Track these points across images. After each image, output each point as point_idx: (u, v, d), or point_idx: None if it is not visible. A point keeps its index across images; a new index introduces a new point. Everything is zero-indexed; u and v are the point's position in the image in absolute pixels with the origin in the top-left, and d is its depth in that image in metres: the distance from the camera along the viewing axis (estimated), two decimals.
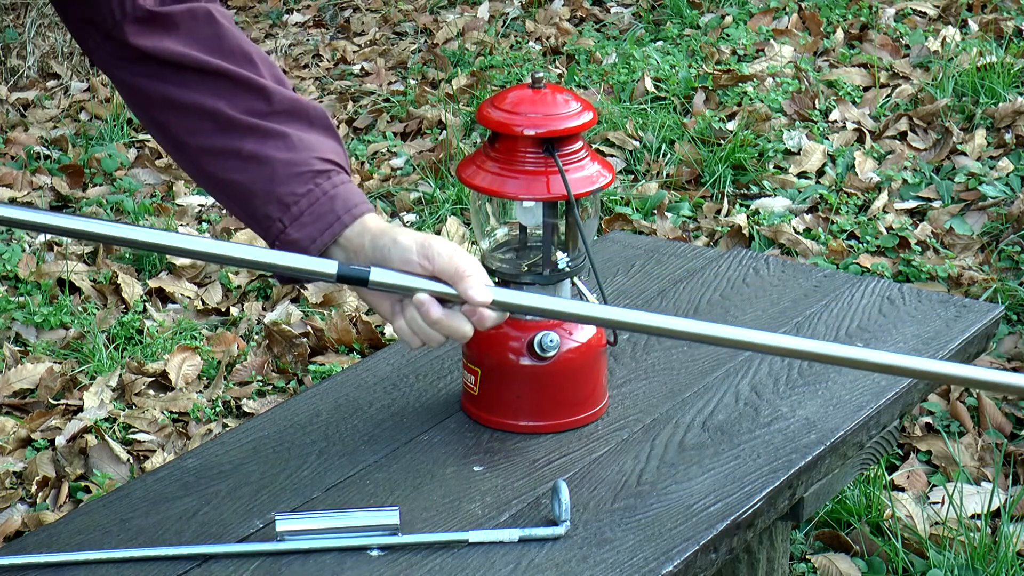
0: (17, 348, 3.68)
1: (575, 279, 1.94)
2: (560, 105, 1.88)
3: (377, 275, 1.69)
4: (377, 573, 1.66)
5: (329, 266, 1.68)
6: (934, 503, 2.92)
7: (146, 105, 1.77)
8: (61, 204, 4.64)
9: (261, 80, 1.76)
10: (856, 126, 4.62)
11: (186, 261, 4.11)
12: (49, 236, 4.29)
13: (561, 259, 1.92)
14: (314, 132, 1.77)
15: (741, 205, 4.24)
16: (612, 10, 6.01)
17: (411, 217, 4.36)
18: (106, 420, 3.35)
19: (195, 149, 1.76)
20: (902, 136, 4.55)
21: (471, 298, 1.67)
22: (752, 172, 4.36)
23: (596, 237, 2.16)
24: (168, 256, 4.12)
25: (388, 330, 3.62)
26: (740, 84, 4.94)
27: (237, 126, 1.73)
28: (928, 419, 3.17)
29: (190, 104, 1.74)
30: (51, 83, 5.77)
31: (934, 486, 2.99)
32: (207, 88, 1.74)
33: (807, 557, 2.80)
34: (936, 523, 2.84)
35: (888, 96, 4.82)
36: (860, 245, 3.95)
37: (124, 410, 3.40)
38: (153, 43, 1.73)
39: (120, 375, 3.52)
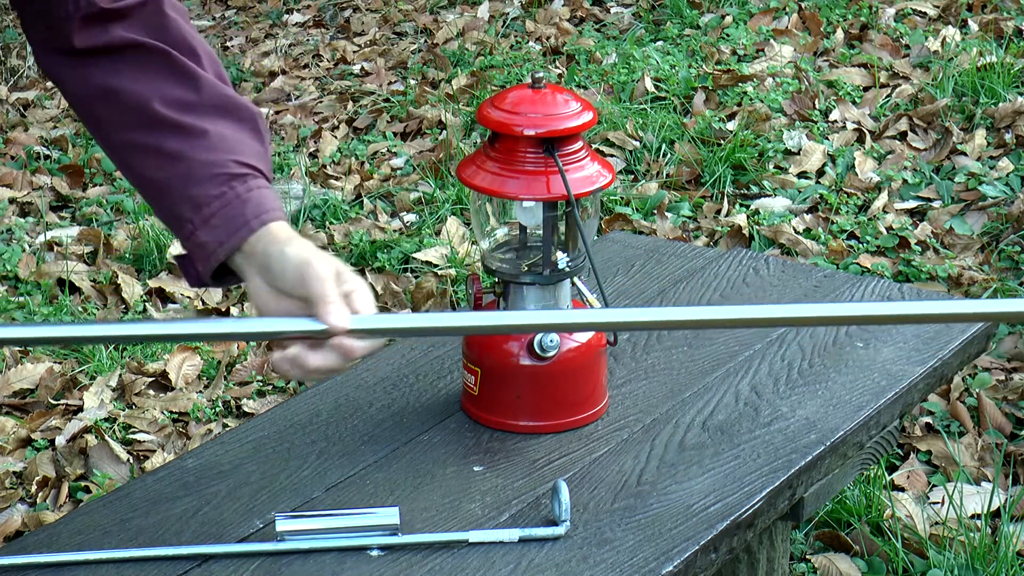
0: (17, 348, 3.68)
1: (575, 279, 1.94)
2: (560, 105, 1.88)
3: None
4: (377, 573, 1.66)
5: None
6: (934, 503, 2.92)
7: (82, 97, 1.75)
8: (61, 204, 4.64)
9: (195, 68, 1.73)
10: (856, 126, 4.62)
11: None
12: (50, 236, 4.29)
13: (561, 259, 1.92)
14: (240, 132, 1.73)
15: (741, 205, 4.24)
16: (612, 10, 6.01)
17: (411, 217, 4.36)
18: (106, 420, 3.35)
19: (121, 145, 1.75)
20: (902, 136, 4.55)
21: (330, 324, 1.56)
22: (752, 172, 4.36)
23: (596, 237, 2.16)
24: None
25: None
26: (740, 84, 4.94)
27: (162, 122, 1.71)
28: (928, 419, 3.17)
29: (120, 92, 1.72)
30: (51, 83, 5.77)
31: (934, 486, 2.99)
32: (140, 72, 1.72)
33: (807, 557, 2.80)
34: (936, 523, 2.84)
35: (888, 96, 4.82)
36: (860, 245, 3.94)
37: (124, 410, 3.40)
38: (97, 38, 1.71)
39: (120, 375, 3.52)
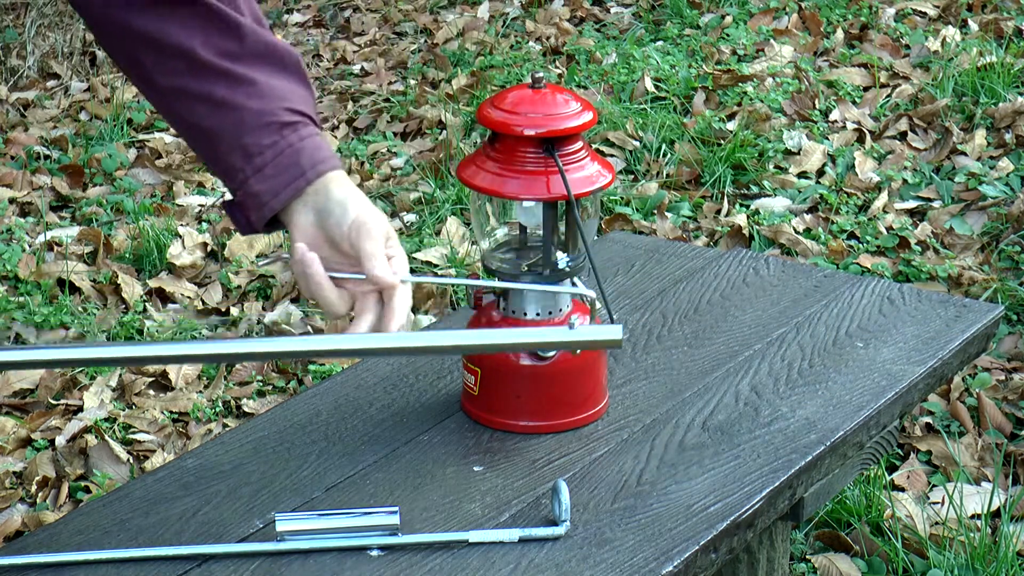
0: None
1: (575, 279, 1.94)
2: (560, 105, 1.88)
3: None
4: (377, 573, 1.66)
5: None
6: (934, 503, 2.92)
7: (121, 38, 1.75)
8: (61, 204, 4.64)
9: (236, 17, 1.73)
10: (856, 126, 4.62)
11: (186, 261, 4.11)
12: (50, 236, 4.29)
13: (561, 259, 1.92)
14: (285, 79, 1.75)
15: (741, 205, 4.24)
16: (612, 10, 6.01)
17: (411, 217, 4.36)
18: (106, 420, 3.35)
19: (166, 89, 1.75)
20: (902, 136, 4.55)
21: (375, 277, 1.68)
22: (752, 172, 4.36)
23: (596, 237, 2.16)
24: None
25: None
26: (740, 84, 4.94)
27: (209, 69, 1.72)
28: (928, 419, 3.17)
29: (165, 42, 1.72)
30: (51, 83, 5.77)
31: (934, 486, 2.99)
32: (182, 22, 1.72)
33: (807, 557, 2.80)
34: (936, 523, 2.84)
35: (888, 96, 4.82)
36: (860, 245, 3.95)
37: (124, 410, 3.40)
38: None
39: (120, 375, 3.52)
